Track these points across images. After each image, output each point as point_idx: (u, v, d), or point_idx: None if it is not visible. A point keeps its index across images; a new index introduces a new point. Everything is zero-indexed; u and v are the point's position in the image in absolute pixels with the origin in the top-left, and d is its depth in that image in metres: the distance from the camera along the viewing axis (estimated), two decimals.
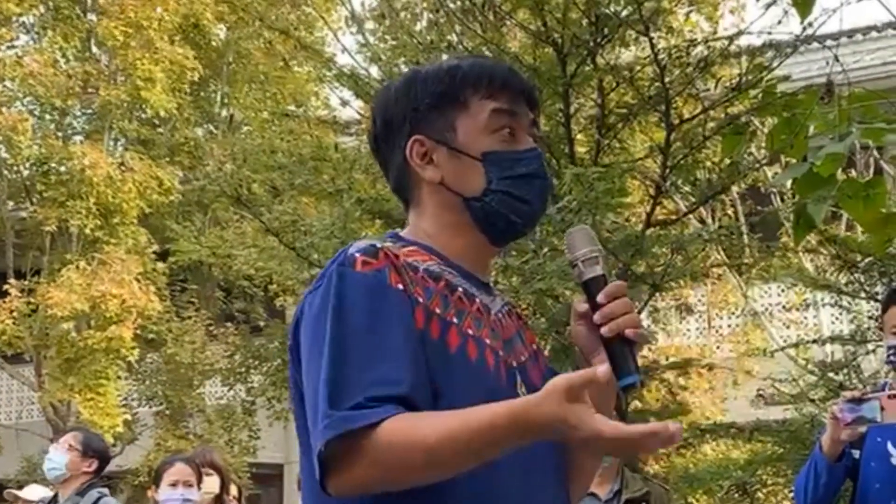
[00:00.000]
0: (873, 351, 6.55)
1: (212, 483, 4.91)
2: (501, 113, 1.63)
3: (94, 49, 13.94)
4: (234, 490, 5.57)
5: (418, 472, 1.42)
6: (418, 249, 1.60)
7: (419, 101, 1.64)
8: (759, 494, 6.70)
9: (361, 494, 1.45)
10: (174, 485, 4.55)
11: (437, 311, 1.54)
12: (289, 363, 1.60)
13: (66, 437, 4.95)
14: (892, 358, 3.40)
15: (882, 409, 3.17)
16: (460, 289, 1.59)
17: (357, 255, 1.53)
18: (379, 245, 1.56)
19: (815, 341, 7.72)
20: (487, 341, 1.58)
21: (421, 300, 1.53)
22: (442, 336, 1.52)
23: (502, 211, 1.61)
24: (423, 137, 1.63)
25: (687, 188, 6.82)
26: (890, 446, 3.34)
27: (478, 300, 1.61)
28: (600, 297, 1.53)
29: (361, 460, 1.40)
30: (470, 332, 1.55)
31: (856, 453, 3.38)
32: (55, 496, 4.95)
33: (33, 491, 6.35)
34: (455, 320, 1.55)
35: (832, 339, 7.39)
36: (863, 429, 3.25)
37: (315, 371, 1.47)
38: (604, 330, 1.51)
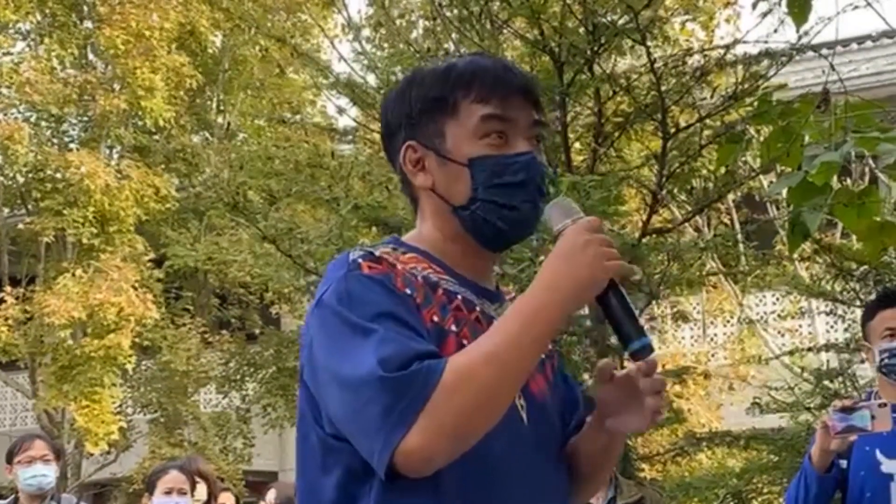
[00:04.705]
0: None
1: (200, 491, 4.90)
2: (491, 118, 1.59)
3: (91, 57, 13.94)
4: (231, 499, 5.59)
5: (491, 388, 1.40)
6: (417, 256, 1.59)
7: (412, 106, 1.62)
8: (755, 503, 6.69)
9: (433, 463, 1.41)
10: (168, 492, 4.53)
11: (436, 318, 1.53)
12: (300, 385, 1.56)
13: (40, 449, 4.76)
14: (886, 361, 3.38)
15: (872, 417, 3.17)
16: (459, 297, 1.58)
17: (360, 260, 1.53)
18: (377, 252, 1.56)
19: (810, 349, 7.71)
20: None
21: (422, 307, 1.52)
22: (437, 345, 1.50)
23: (489, 219, 1.59)
24: (415, 143, 1.62)
25: (683, 197, 6.84)
26: (879, 454, 3.32)
27: (478, 308, 1.59)
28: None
29: (442, 407, 1.37)
30: (465, 342, 1.52)
31: (843, 463, 3.36)
32: (16, 499, 4.88)
33: None
34: (453, 328, 1.54)
35: (827, 348, 7.36)
36: (853, 437, 3.24)
37: (348, 355, 1.44)
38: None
